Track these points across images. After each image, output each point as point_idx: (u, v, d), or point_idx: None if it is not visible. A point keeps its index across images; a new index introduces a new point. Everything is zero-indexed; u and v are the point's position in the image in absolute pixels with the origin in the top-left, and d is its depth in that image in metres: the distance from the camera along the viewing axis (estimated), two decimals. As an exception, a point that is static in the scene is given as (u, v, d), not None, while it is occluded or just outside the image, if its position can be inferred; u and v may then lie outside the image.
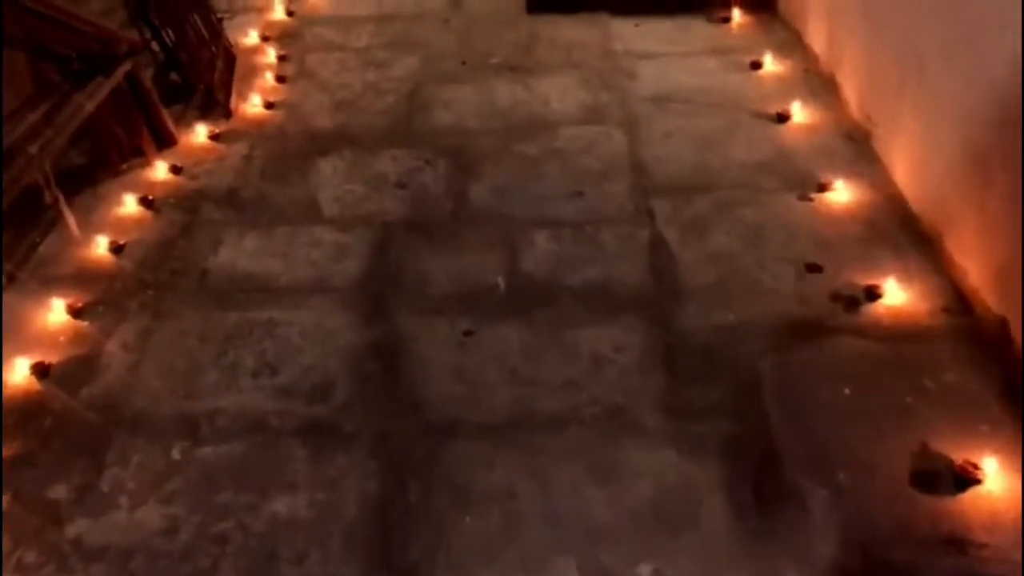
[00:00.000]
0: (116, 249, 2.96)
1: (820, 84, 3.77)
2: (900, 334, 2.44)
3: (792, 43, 4.16)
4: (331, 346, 2.52)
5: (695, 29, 4.41)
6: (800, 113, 3.53)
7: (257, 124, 3.74)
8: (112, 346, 2.59)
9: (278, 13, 4.77)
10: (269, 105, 3.86)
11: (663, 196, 3.10)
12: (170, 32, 3.80)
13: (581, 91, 3.87)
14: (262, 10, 4.83)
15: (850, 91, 3.52)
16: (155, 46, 3.86)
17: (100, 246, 2.97)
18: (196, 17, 4.01)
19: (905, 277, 2.60)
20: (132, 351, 2.57)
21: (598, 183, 3.21)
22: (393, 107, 3.83)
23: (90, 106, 3.18)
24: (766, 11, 4.51)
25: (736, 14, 4.46)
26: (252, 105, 3.85)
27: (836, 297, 2.58)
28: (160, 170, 3.39)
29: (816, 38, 3.94)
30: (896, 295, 2.55)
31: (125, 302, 2.75)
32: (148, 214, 3.17)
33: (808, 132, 3.43)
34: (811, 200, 3.03)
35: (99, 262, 2.93)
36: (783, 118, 3.53)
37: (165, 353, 2.54)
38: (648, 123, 3.57)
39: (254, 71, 4.18)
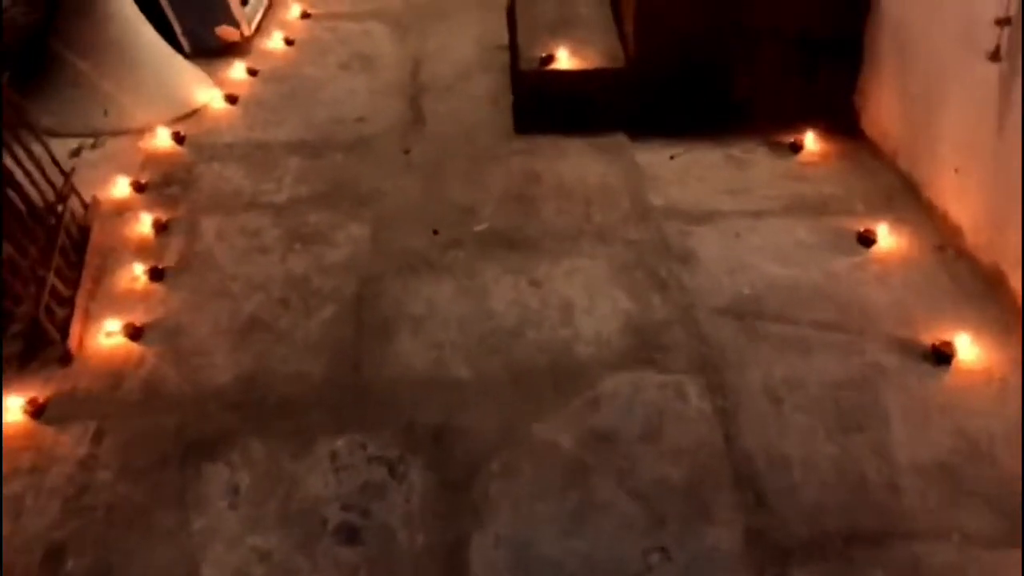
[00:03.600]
0: None
1: (973, 279, 2.53)
2: None
3: (903, 194, 2.92)
4: None
5: (757, 164, 3.13)
6: (967, 347, 2.27)
7: (112, 378, 2.32)
8: None
9: (162, 137, 3.31)
10: (135, 333, 2.44)
11: (809, 560, 1.80)
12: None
13: (618, 291, 2.55)
14: (139, 132, 3.37)
15: (1047, 314, 2.27)
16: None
17: None
18: (23, 166, 2.56)
19: None
20: None
21: (689, 523, 1.89)
22: (331, 331, 2.45)
23: None
24: (846, 131, 3.25)
25: (810, 138, 3.18)
26: (107, 335, 2.43)
27: None
28: (-71, 504, 1.95)
29: (955, 197, 2.69)
30: None
31: None
32: None
33: (991, 390, 2.18)
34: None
35: None
36: (942, 356, 2.27)
37: None
38: (737, 366, 2.27)
39: (116, 258, 2.75)
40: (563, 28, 3.56)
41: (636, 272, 2.63)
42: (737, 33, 3.18)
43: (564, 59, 3.29)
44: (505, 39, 3.85)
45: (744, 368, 2.27)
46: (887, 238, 2.70)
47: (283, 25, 4.17)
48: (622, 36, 3.42)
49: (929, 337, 2.32)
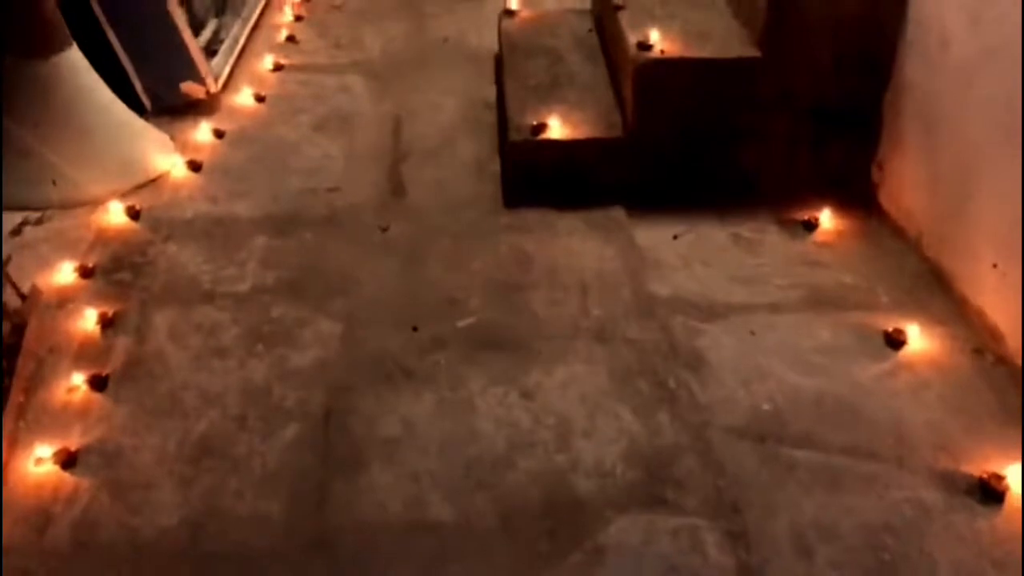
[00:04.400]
0: None
1: (1017, 391, 2.25)
2: None
3: (930, 284, 2.66)
4: None
5: (769, 246, 2.86)
6: (1019, 480, 1.99)
7: (38, 518, 2.01)
8: None
9: (115, 212, 3.01)
10: (68, 459, 2.13)
11: None
12: None
13: (621, 405, 2.26)
14: (91, 206, 3.07)
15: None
16: None
17: None
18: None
19: None
20: None
21: None
22: (293, 458, 2.15)
23: None
24: (863, 206, 3.00)
25: (825, 216, 2.92)
26: (36, 463, 2.10)
27: None
28: None
29: (993, 296, 2.43)
30: None
31: None
32: None
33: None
34: None
35: None
36: (992, 492, 1.99)
37: None
38: (760, 506, 1.98)
39: (53, 363, 2.43)
40: (555, 89, 3.30)
41: (640, 381, 2.34)
42: (745, 101, 2.92)
43: (556, 127, 3.01)
44: (491, 94, 3.61)
45: (768, 509, 1.98)
46: (918, 339, 2.42)
47: (254, 79, 3.89)
48: (620, 101, 3.15)
49: (974, 467, 2.04)
